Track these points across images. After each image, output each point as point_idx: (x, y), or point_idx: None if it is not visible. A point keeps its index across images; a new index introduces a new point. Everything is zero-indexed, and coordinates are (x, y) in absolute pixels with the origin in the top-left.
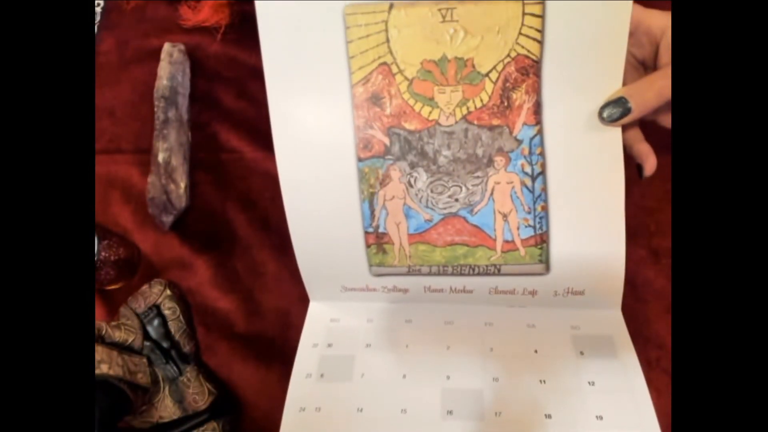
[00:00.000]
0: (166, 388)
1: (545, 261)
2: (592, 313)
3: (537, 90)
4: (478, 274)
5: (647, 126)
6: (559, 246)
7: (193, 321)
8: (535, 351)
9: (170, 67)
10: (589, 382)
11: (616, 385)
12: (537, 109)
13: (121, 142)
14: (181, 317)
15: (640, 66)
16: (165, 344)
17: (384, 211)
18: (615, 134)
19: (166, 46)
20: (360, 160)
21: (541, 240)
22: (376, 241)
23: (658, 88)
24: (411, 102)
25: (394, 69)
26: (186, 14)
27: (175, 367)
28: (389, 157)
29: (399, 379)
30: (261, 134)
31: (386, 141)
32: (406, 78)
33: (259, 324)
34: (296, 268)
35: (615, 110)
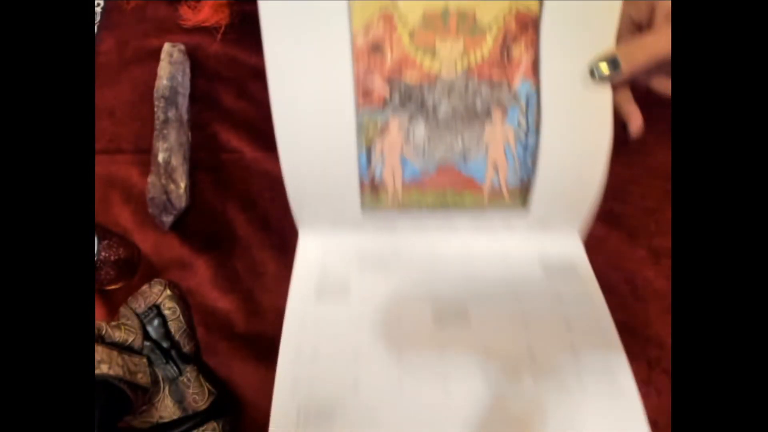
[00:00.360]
0: (166, 388)
1: (526, 203)
2: (558, 240)
3: (535, 46)
4: (464, 212)
5: (647, 107)
6: (541, 192)
7: (193, 321)
8: (509, 275)
9: (170, 67)
10: (555, 296)
11: (577, 298)
12: (535, 65)
13: (121, 142)
14: (181, 317)
15: (636, 29)
16: (165, 344)
17: (381, 161)
18: (605, 93)
19: (166, 46)
20: (359, 109)
21: (526, 188)
22: (371, 188)
23: (648, 48)
24: (412, 53)
25: (396, 19)
26: (186, 14)
27: (175, 367)
28: (388, 107)
29: (393, 297)
30: (261, 134)
31: (386, 91)
32: (407, 28)
33: (259, 324)
34: None
35: (606, 69)
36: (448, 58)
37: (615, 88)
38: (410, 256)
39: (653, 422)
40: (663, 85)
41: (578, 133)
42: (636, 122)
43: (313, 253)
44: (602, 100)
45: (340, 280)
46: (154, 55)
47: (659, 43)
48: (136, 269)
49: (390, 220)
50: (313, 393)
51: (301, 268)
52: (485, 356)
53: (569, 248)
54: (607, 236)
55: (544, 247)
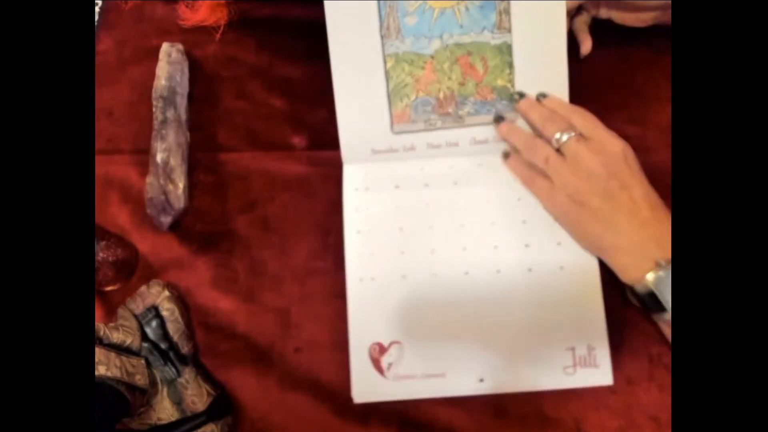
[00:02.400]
0: (164, 390)
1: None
2: None
3: None
4: (465, 125)
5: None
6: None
7: (191, 322)
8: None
9: (169, 67)
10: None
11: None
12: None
13: (119, 143)
14: (179, 318)
15: None
16: (163, 345)
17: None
18: (560, 20)
19: (165, 46)
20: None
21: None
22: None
23: None
24: None
25: None
26: (184, 14)
27: (173, 369)
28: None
29: (424, 205)
30: (260, 134)
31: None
32: None
33: (259, 324)
34: (296, 267)
35: None
36: None
37: (574, 17)
38: (432, 173)
39: (654, 418)
40: (612, 14)
41: (544, 46)
42: (585, 45)
43: (357, 177)
44: (557, 23)
45: (380, 187)
46: (153, 55)
47: None
48: (134, 270)
49: (412, 140)
50: (373, 260)
51: (348, 185)
52: (492, 205)
53: None
54: None
55: None
